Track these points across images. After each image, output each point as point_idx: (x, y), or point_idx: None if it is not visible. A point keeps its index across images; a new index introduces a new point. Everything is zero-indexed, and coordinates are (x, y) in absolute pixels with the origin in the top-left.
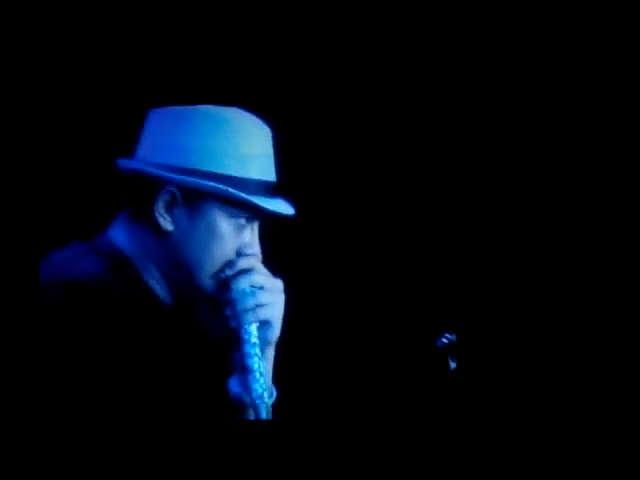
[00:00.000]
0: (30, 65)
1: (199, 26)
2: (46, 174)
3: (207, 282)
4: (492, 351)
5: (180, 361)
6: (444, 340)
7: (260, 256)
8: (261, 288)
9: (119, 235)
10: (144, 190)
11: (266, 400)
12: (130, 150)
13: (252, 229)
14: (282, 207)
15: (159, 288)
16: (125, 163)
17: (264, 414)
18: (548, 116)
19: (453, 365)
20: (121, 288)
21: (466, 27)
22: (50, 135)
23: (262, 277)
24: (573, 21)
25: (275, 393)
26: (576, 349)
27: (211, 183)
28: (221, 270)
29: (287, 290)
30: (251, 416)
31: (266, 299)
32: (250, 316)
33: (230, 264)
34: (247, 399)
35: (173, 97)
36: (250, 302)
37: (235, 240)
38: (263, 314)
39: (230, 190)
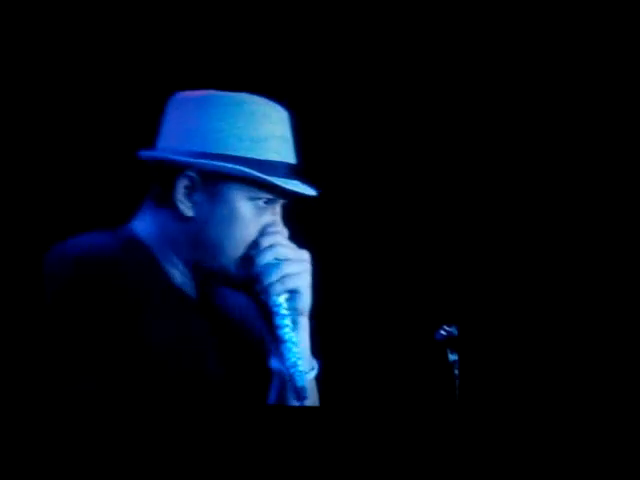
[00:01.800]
0: (52, 58)
1: (214, 16)
2: (69, 167)
3: (231, 264)
4: (493, 344)
5: (196, 343)
6: (442, 332)
7: (285, 232)
8: (287, 259)
9: (141, 224)
10: (164, 177)
11: (301, 369)
12: (152, 139)
13: (273, 210)
14: (301, 187)
15: (178, 274)
16: (144, 152)
17: (301, 382)
18: (548, 116)
19: (452, 357)
20: (136, 266)
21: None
22: (74, 128)
23: (286, 249)
24: (573, 21)
25: (317, 366)
26: (576, 344)
27: (229, 165)
28: (245, 251)
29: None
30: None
31: (292, 269)
32: (278, 287)
33: (254, 243)
34: (285, 371)
35: (188, 85)
36: (276, 273)
37: (256, 222)
38: (290, 284)
39: (248, 171)
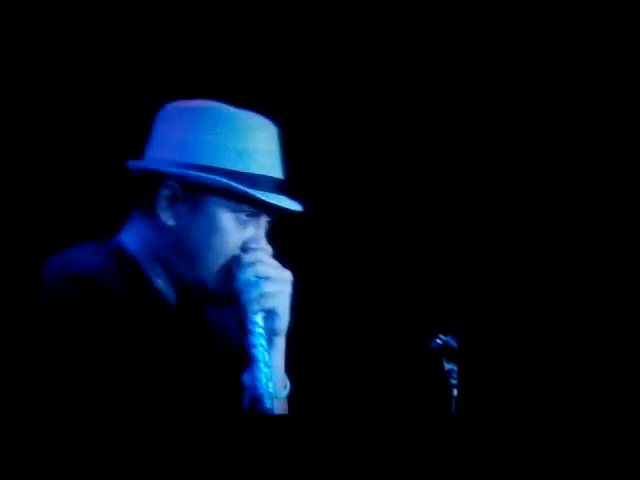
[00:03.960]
0: (44, 70)
1: (206, 27)
2: (62, 177)
3: (211, 276)
4: (491, 354)
5: (183, 357)
6: (438, 341)
7: (269, 249)
8: (267, 278)
9: (128, 235)
10: (148, 186)
11: (270, 390)
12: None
13: (257, 224)
14: (286, 203)
15: (164, 286)
16: (131, 162)
17: (268, 404)
18: (548, 116)
19: (448, 366)
20: (125, 283)
21: (466, 27)
22: (66, 137)
23: (267, 267)
24: (573, 21)
25: (289, 385)
26: (575, 352)
27: (210, 176)
28: (225, 264)
29: (297, 283)
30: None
31: (271, 288)
32: (254, 306)
33: (235, 258)
34: (255, 390)
35: (183, 97)
36: (254, 292)
37: (238, 235)
38: (268, 303)
39: (227, 182)
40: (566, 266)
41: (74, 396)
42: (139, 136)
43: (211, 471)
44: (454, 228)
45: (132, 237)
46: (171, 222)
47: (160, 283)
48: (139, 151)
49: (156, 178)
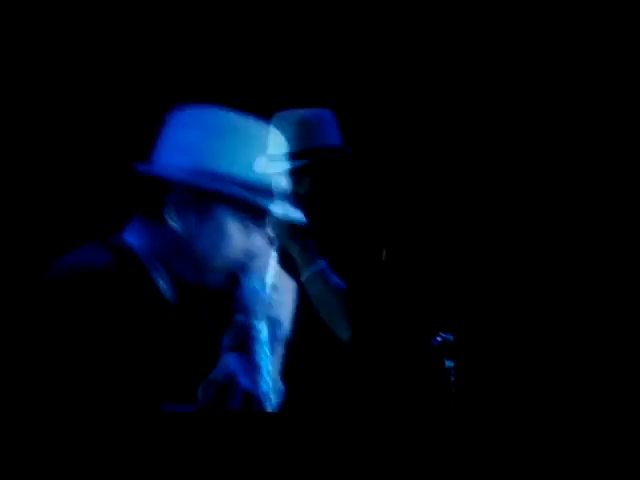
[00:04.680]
0: (54, 72)
1: (217, 32)
2: (66, 177)
3: (216, 282)
4: (489, 351)
5: (180, 354)
6: (439, 339)
7: (275, 256)
8: (274, 287)
9: (132, 235)
10: (156, 191)
11: (272, 398)
12: (148, 152)
13: (262, 232)
14: (293, 213)
15: (166, 287)
16: (140, 166)
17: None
18: (548, 116)
19: (448, 364)
20: (126, 280)
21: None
22: (70, 138)
23: (274, 276)
24: (573, 21)
25: (282, 389)
26: (571, 350)
27: (223, 186)
28: (232, 271)
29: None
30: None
31: (277, 297)
32: (260, 314)
33: (242, 265)
34: (256, 394)
35: (187, 100)
36: (261, 300)
37: (244, 242)
38: (274, 312)
39: (241, 193)
40: (558, 267)
41: (75, 391)
42: (139, 137)
43: (208, 468)
44: (452, 232)
45: (136, 238)
46: (178, 228)
47: (162, 283)
48: (137, 152)
49: (165, 183)
